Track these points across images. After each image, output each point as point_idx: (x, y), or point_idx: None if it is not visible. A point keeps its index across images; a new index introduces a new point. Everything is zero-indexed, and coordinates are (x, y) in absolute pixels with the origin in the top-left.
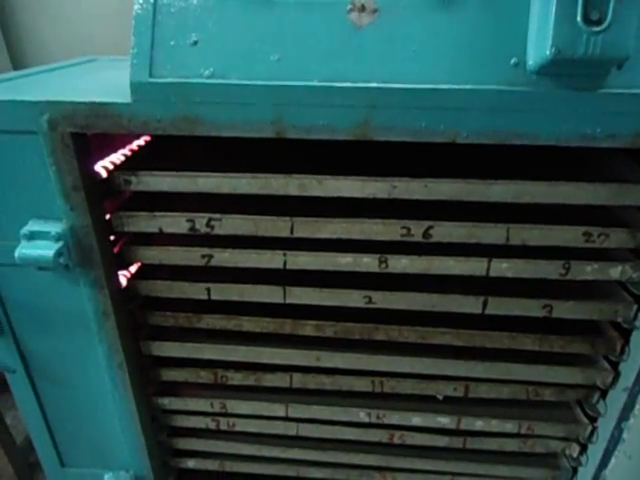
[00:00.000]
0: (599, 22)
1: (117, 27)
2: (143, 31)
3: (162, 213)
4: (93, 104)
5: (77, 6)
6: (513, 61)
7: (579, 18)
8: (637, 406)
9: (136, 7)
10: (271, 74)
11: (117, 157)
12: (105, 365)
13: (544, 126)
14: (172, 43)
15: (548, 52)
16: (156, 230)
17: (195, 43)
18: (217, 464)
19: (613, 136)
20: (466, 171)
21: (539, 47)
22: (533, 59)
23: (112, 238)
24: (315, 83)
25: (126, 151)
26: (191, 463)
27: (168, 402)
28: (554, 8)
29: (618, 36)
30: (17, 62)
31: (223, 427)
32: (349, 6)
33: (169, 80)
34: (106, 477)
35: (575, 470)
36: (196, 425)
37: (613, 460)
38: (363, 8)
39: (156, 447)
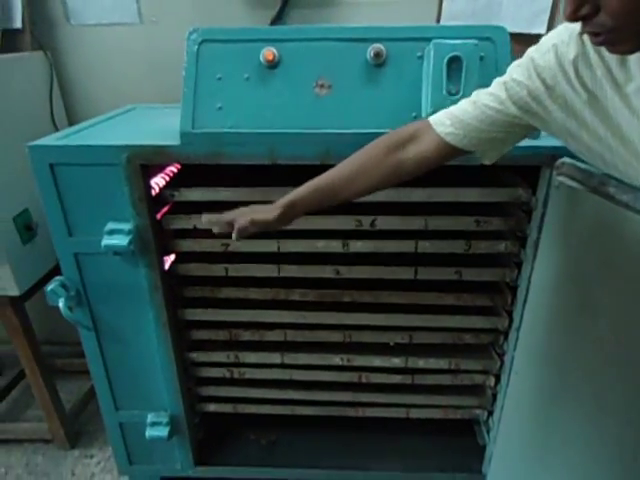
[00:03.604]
0: (456, 93)
1: (146, 82)
2: (189, 102)
3: (195, 215)
4: (156, 146)
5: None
6: (414, 114)
7: (444, 91)
8: (519, 340)
9: (185, 90)
10: (268, 125)
11: (165, 176)
12: (154, 325)
13: None
14: (206, 108)
15: (429, 110)
16: (191, 227)
17: (220, 108)
18: (231, 407)
19: None
20: None
21: (429, 106)
22: (425, 113)
23: (162, 233)
24: (295, 130)
25: (170, 172)
26: (212, 407)
27: (196, 356)
28: (430, 86)
29: None
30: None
31: (235, 376)
32: (313, 84)
33: (205, 130)
34: (149, 416)
35: (495, 396)
36: (215, 375)
37: (511, 379)
38: (322, 85)
39: (187, 393)
